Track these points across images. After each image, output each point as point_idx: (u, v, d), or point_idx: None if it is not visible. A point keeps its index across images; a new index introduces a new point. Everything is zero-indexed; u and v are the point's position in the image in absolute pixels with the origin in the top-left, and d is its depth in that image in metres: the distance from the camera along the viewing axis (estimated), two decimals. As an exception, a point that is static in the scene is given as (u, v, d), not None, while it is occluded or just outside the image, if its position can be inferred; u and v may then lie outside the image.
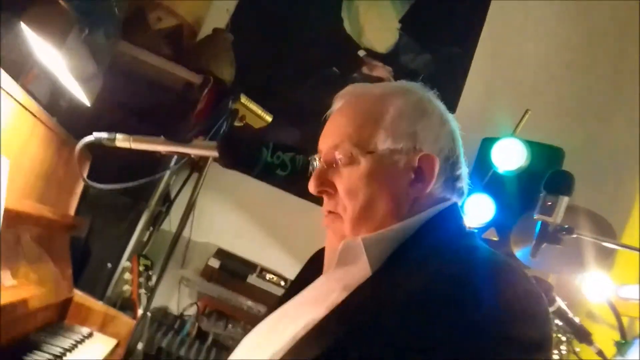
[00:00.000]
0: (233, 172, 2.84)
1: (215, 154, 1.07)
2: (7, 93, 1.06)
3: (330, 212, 0.92)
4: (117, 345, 1.70)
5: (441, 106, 0.95)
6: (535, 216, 1.76)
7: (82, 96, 1.34)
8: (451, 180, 0.92)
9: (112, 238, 2.00)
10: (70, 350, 1.40)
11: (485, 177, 2.54)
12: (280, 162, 3.66)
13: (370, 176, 0.87)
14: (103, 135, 1.07)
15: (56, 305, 1.60)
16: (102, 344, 1.63)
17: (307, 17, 2.97)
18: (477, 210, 2.40)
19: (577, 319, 1.92)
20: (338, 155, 0.89)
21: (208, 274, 2.40)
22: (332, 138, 0.91)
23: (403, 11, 3.13)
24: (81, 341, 1.50)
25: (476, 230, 0.94)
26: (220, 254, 2.54)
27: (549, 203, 1.74)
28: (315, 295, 0.89)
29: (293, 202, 2.83)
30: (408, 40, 3.11)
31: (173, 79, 1.97)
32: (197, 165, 2.64)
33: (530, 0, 3.18)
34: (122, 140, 1.06)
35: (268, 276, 2.49)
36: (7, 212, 1.04)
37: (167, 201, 2.33)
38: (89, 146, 1.15)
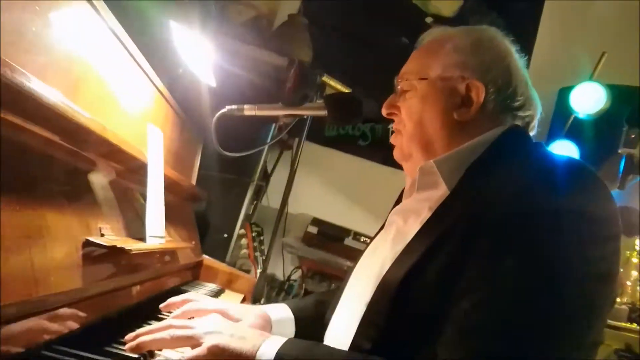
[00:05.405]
0: (321, 149, 3.07)
1: (324, 112, 1.26)
2: (152, 83, 1.31)
3: (396, 129, 1.11)
4: (243, 299, 1.95)
5: (503, 45, 1.05)
6: (620, 150, 1.82)
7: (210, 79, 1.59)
8: (508, 108, 1.01)
9: (224, 210, 2.27)
10: (211, 300, 1.66)
11: (566, 124, 2.59)
12: (361, 134, 3.84)
13: (422, 99, 1.04)
14: (233, 107, 1.29)
15: (191, 266, 1.88)
16: (232, 297, 1.88)
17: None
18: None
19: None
20: (402, 84, 1.08)
21: (308, 239, 2.63)
22: (402, 71, 1.10)
23: (466, -27, 3.17)
24: (216, 294, 1.76)
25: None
26: (316, 222, 2.77)
27: (633, 136, 1.80)
28: (405, 216, 1.03)
29: (376, 169, 3.00)
30: (474, 2, 3.16)
31: (264, 65, 2.19)
32: (286, 145, 2.88)
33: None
34: (249, 109, 1.27)
35: (362, 238, 2.68)
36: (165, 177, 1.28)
37: (265, 177, 2.57)
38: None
